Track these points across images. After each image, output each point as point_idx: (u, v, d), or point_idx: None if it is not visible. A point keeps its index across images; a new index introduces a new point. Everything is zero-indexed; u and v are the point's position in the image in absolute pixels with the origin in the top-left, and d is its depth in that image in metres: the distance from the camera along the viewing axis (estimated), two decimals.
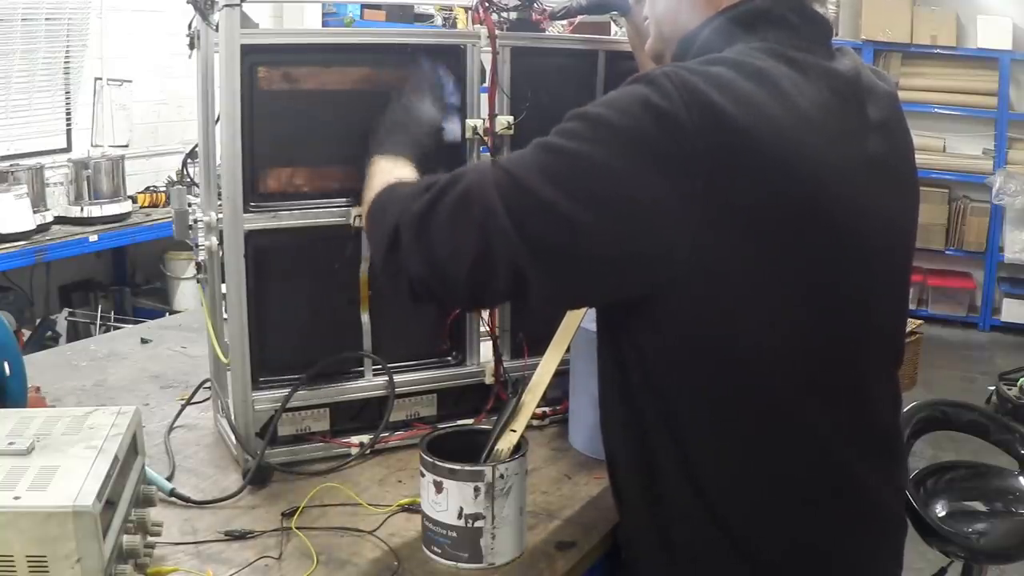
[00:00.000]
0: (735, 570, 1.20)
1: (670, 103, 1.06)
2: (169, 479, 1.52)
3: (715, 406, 1.16)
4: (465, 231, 1.12)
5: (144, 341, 2.26)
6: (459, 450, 1.35)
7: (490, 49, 1.65)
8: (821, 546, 1.22)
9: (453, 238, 1.13)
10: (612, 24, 2.01)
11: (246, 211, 1.52)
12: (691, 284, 1.10)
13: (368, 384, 1.66)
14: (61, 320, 4.80)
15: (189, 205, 1.62)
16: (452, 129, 1.59)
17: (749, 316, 1.12)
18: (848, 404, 1.22)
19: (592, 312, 1.59)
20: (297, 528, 1.39)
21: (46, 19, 4.87)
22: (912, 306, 6.18)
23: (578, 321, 1.53)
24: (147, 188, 5.24)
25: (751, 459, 1.18)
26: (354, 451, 1.62)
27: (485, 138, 1.66)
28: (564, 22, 1.83)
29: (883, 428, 1.28)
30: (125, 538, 1.15)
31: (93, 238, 4.61)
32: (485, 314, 1.72)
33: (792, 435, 1.18)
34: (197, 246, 1.59)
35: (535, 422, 1.74)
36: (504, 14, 1.69)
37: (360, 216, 1.50)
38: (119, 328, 3.22)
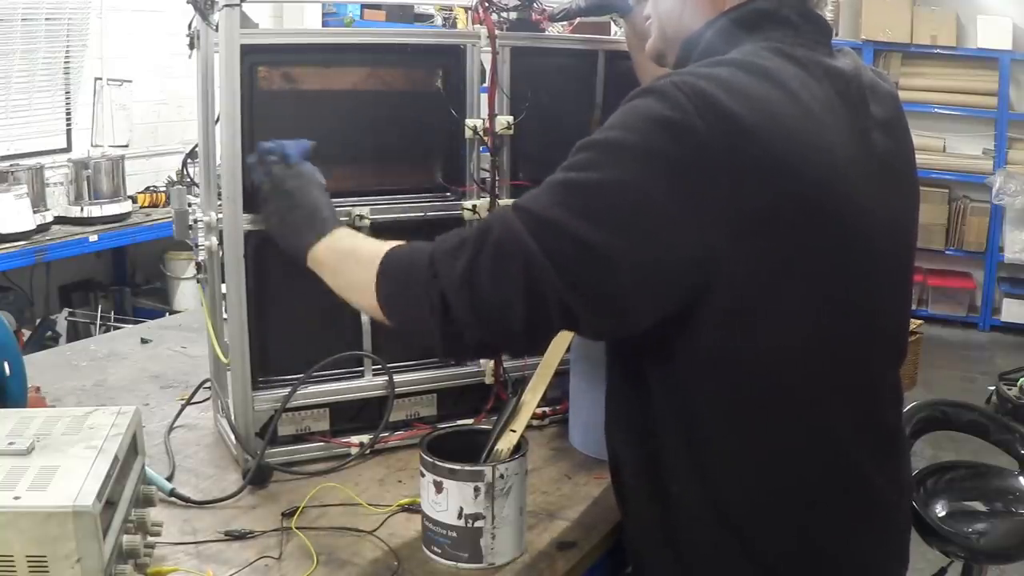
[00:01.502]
0: (742, 570, 1.20)
1: (682, 113, 1.06)
2: (169, 479, 1.52)
3: (735, 407, 1.16)
4: (510, 284, 1.10)
5: (144, 341, 2.26)
6: (459, 450, 1.35)
7: (490, 49, 1.65)
8: (830, 546, 1.22)
9: (501, 294, 1.11)
10: (612, 24, 2.01)
11: (246, 211, 1.52)
12: (718, 287, 1.10)
13: (368, 384, 1.66)
14: (61, 320, 4.80)
15: (189, 205, 1.62)
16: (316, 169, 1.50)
17: (769, 317, 1.12)
18: (860, 404, 1.22)
19: None
20: (297, 528, 1.39)
21: (46, 19, 4.88)
22: (912, 306, 6.17)
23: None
24: (147, 188, 5.24)
25: (768, 460, 1.17)
26: (354, 451, 1.62)
27: (485, 138, 1.67)
28: (564, 22, 1.83)
29: (888, 427, 1.29)
30: (125, 538, 1.15)
31: (93, 238, 4.61)
32: None
33: (810, 435, 1.18)
34: (197, 246, 1.59)
35: (535, 422, 1.74)
36: (504, 14, 1.69)
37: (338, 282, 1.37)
38: (119, 328, 3.22)
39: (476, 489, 1.30)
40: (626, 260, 1.08)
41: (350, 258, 1.33)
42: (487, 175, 1.69)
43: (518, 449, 1.35)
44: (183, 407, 1.80)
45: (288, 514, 1.43)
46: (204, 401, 1.81)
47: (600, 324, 1.15)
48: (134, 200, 5.01)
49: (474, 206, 1.68)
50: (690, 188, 1.06)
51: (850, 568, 1.24)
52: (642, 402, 1.23)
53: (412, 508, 1.44)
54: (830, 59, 1.21)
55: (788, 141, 1.09)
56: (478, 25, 1.67)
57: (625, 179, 1.08)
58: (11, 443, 1.15)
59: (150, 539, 1.26)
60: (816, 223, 1.11)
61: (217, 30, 1.46)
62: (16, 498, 1.05)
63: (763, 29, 1.20)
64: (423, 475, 1.33)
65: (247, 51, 1.47)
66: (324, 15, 6.00)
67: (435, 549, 1.34)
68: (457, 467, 1.30)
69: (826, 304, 1.15)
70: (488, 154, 1.68)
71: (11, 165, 4.55)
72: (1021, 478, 2.12)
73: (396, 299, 1.23)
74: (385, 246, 1.27)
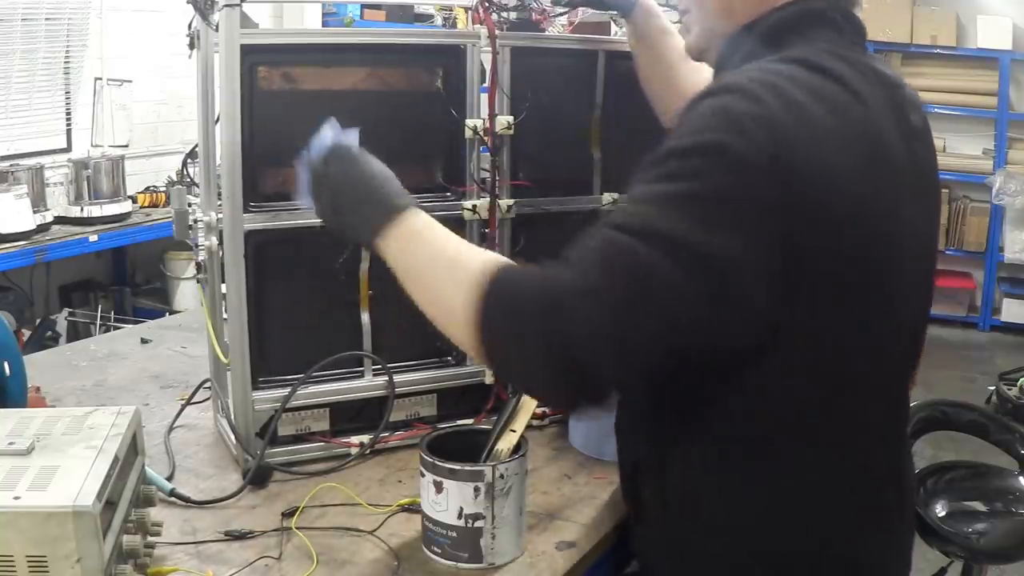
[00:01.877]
0: (752, 572, 1.19)
1: (771, 109, 1.04)
2: (169, 479, 1.52)
3: (782, 414, 1.14)
4: (657, 325, 1.02)
5: (144, 341, 2.26)
6: (459, 450, 1.35)
7: (490, 49, 1.65)
8: (849, 550, 1.21)
9: (651, 341, 1.03)
10: (612, 24, 2.01)
11: (246, 211, 1.52)
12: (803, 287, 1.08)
13: (368, 384, 1.66)
14: (61, 320, 4.80)
15: (189, 205, 1.62)
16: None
17: (820, 320, 1.11)
18: (881, 408, 1.23)
19: None
20: (297, 528, 1.39)
21: (46, 19, 4.87)
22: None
23: None
24: (147, 188, 5.24)
25: (792, 465, 1.16)
26: (354, 451, 1.62)
27: (485, 138, 1.67)
28: (564, 21, 1.83)
29: (898, 429, 1.30)
30: (125, 538, 1.15)
31: (93, 238, 4.61)
32: None
33: (836, 441, 1.17)
34: (197, 246, 1.59)
35: (535, 422, 1.74)
36: (504, 14, 1.69)
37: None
38: (119, 328, 3.22)
39: (476, 489, 1.30)
40: (759, 267, 1.03)
41: (437, 264, 1.16)
42: (487, 175, 1.69)
43: (518, 449, 1.35)
44: (183, 407, 1.80)
45: (288, 514, 1.43)
46: (204, 401, 1.81)
47: (740, 343, 1.08)
48: (134, 200, 5.01)
49: (474, 206, 1.68)
50: (788, 185, 1.03)
51: (869, 570, 1.24)
52: (667, 407, 1.21)
53: (412, 508, 1.44)
54: (875, 64, 1.20)
55: (859, 146, 1.08)
56: (478, 25, 1.67)
57: (736, 181, 1.03)
58: (11, 443, 1.15)
59: (150, 539, 1.26)
60: (873, 227, 1.10)
61: (217, 30, 1.46)
62: (16, 498, 1.05)
63: (811, 30, 1.18)
64: (423, 475, 1.33)
65: (247, 51, 1.47)
66: (324, 15, 6.00)
67: (435, 549, 1.34)
68: (457, 467, 1.30)
69: (871, 310, 1.14)
70: (488, 154, 1.68)
71: (11, 165, 4.54)
72: (1021, 478, 2.12)
73: (505, 339, 1.07)
74: (481, 258, 1.12)
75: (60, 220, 4.67)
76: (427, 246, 1.18)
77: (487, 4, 1.65)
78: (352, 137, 1.30)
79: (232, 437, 1.58)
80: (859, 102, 1.11)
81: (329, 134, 1.29)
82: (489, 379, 1.73)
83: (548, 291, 1.04)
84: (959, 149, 6.59)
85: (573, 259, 1.05)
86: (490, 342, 1.08)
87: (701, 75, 1.62)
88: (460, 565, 1.32)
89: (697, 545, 1.22)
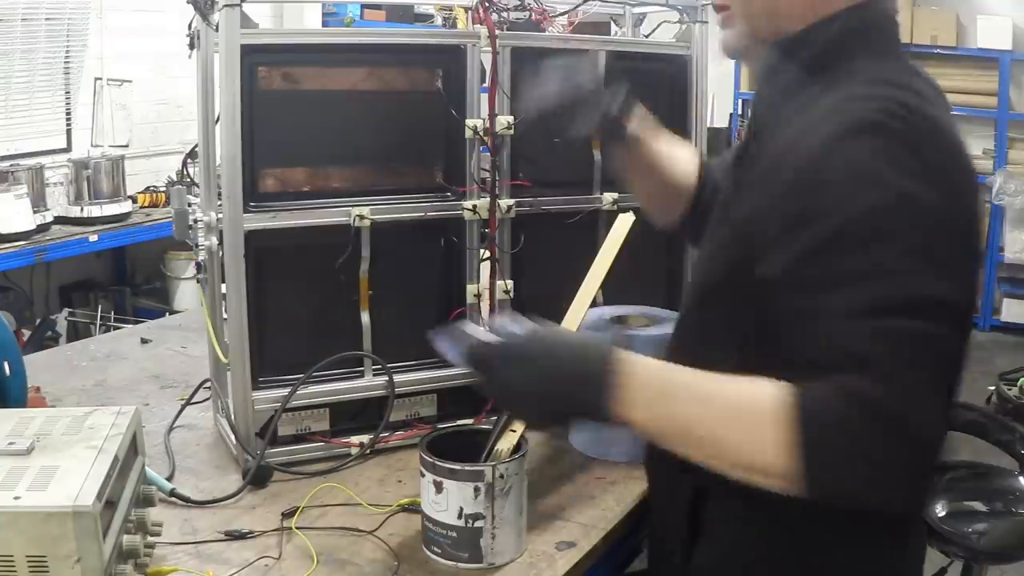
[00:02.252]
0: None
1: (911, 143, 1.03)
2: (169, 479, 1.52)
3: None
4: (949, 384, 1.03)
5: (144, 341, 2.27)
6: (459, 450, 1.35)
7: (490, 49, 1.65)
8: (883, 559, 1.21)
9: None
10: (612, 24, 2.01)
11: (246, 211, 1.52)
12: None
13: (368, 384, 1.66)
14: (61, 320, 4.81)
15: (189, 205, 1.62)
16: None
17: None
18: None
19: (592, 312, 1.58)
20: (297, 528, 1.39)
21: (46, 19, 4.88)
22: None
23: (578, 321, 1.52)
24: (147, 188, 5.24)
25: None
26: (354, 451, 1.62)
27: (485, 138, 1.67)
28: (564, 21, 1.83)
29: None
30: (125, 538, 1.15)
31: (93, 238, 4.61)
32: (484, 314, 1.72)
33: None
34: (197, 246, 1.59)
35: None
36: (504, 14, 1.69)
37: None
38: (119, 328, 3.23)
39: (476, 489, 1.30)
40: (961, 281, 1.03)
41: (710, 417, 1.06)
42: (487, 175, 1.69)
43: (518, 449, 1.35)
44: (183, 407, 1.80)
45: (288, 514, 1.43)
46: (204, 401, 1.81)
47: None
48: (134, 200, 5.01)
49: (474, 206, 1.68)
50: (957, 212, 1.04)
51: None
52: None
53: (412, 508, 1.44)
54: (919, 69, 1.18)
55: (955, 162, 1.07)
56: (478, 25, 1.67)
57: (937, 225, 1.01)
58: (11, 443, 1.15)
59: (150, 539, 1.26)
60: (979, 242, 1.12)
61: (217, 30, 1.46)
62: (16, 498, 1.05)
63: (874, 38, 1.15)
64: (423, 475, 1.33)
65: (247, 51, 1.48)
66: (324, 15, 6.00)
67: (435, 549, 1.34)
68: (457, 467, 1.30)
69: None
70: (488, 154, 1.68)
71: (11, 165, 4.54)
72: (1021, 478, 2.12)
73: (859, 484, 0.99)
74: (759, 399, 1.03)
75: (60, 220, 4.67)
76: (678, 396, 1.08)
77: (487, 4, 1.65)
78: (480, 333, 1.14)
79: (232, 437, 1.58)
80: (942, 115, 1.09)
81: (463, 357, 1.15)
82: None
83: (881, 421, 0.97)
84: None
85: (850, 364, 0.98)
86: (835, 492, 1.01)
87: (685, 166, 1.53)
88: (460, 565, 1.32)
89: (765, 565, 1.20)
